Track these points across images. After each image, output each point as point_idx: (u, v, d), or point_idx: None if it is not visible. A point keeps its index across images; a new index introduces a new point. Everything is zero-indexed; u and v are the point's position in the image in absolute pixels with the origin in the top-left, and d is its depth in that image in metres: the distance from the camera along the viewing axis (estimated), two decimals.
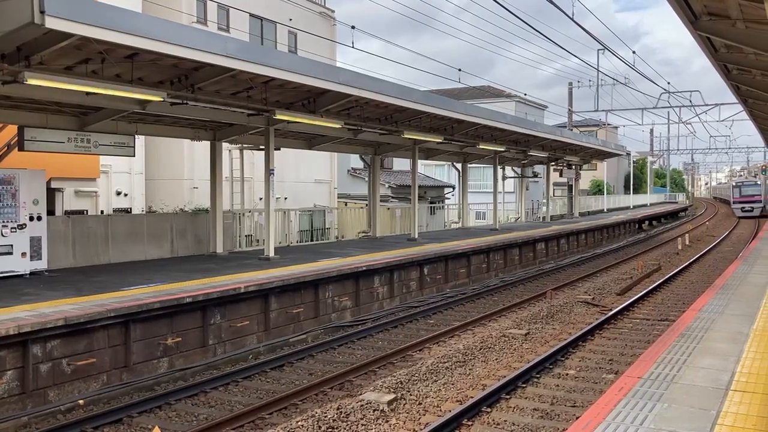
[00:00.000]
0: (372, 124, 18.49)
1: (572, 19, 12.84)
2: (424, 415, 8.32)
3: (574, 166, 38.73)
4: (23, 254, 12.92)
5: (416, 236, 22.91)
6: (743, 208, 57.23)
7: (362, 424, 7.89)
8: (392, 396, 8.64)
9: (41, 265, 13.29)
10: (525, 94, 50.88)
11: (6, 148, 15.04)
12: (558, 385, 9.55)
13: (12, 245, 12.73)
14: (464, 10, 27.60)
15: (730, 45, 10.91)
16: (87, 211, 20.56)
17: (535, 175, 40.57)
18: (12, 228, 12.73)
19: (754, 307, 9.63)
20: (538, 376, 9.97)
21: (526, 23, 14.09)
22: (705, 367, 6.45)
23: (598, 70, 38.16)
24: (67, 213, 18.63)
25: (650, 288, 17.57)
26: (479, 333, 13.16)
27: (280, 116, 14.76)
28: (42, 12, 8.22)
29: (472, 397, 8.74)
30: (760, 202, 56.03)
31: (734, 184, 61.09)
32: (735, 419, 5.05)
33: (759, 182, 58.13)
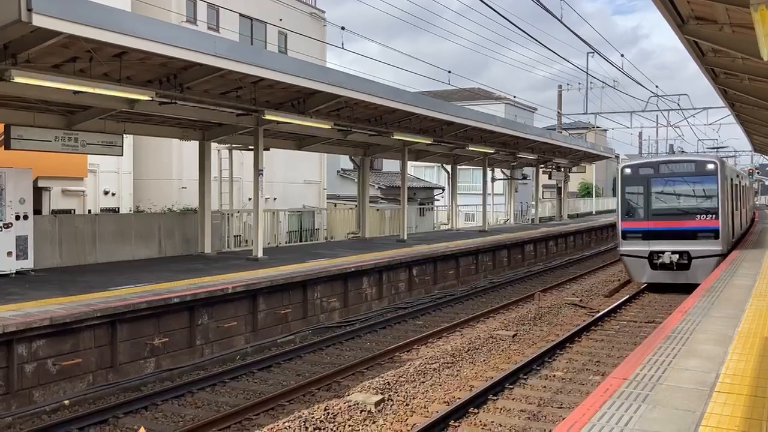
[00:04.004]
0: (362, 125, 18.49)
1: (561, 21, 12.91)
2: (412, 416, 8.32)
3: (563, 169, 38.89)
4: (9, 254, 12.81)
5: (405, 237, 22.91)
6: (658, 258, 17.09)
7: (349, 425, 7.88)
8: (380, 397, 8.64)
9: (27, 264, 13.19)
10: (515, 97, 51.05)
11: None
12: (545, 387, 9.58)
13: None
14: (461, 15, 27.69)
15: (718, 49, 10.97)
16: (74, 210, 20.43)
17: (524, 177, 40.71)
18: None
19: (738, 309, 9.70)
20: (525, 377, 9.99)
21: (518, 27, 14.15)
22: (690, 369, 6.49)
23: (588, 73, 38.30)
24: (54, 212, 18.52)
25: (637, 290, 17.67)
26: (467, 334, 13.18)
27: (269, 116, 14.73)
28: (29, 10, 8.16)
29: (459, 398, 8.75)
30: (715, 233, 16.80)
31: (627, 171, 18.12)
32: (719, 420, 5.08)
33: (713, 165, 17.35)
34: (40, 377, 8.95)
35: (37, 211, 16.17)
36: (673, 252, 16.69)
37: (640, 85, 40.95)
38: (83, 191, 21.09)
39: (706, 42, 10.23)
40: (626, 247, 17.56)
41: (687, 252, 16.63)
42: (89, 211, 20.82)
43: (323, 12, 31.37)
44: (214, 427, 8.09)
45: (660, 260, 16.85)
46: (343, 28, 17.88)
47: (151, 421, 8.43)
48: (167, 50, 10.36)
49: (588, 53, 44.83)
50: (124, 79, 11.61)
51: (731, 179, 19.33)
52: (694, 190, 17.22)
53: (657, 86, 39.38)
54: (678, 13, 9.28)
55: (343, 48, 21.24)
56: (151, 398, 9.16)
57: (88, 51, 10.24)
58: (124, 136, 15.64)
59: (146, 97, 11.83)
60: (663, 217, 17.08)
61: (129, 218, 17.96)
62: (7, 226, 12.76)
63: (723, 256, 16.67)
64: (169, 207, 21.98)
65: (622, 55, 30.64)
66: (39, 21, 8.32)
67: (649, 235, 17.10)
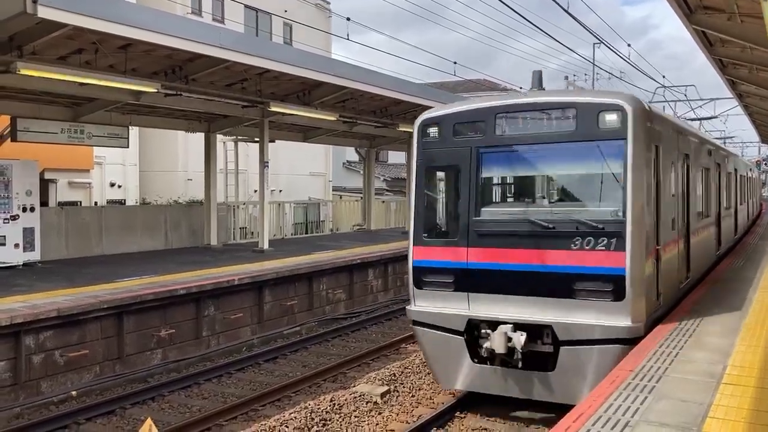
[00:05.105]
0: (367, 117, 18.45)
1: (567, 12, 12.82)
2: (417, 407, 8.33)
3: None
4: (16, 245, 12.86)
5: None
6: (485, 337, 7.46)
7: (355, 416, 7.90)
8: (385, 388, 8.65)
9: (34, 256, 13.24)
10: (521, 88, 50.76)
11: None
12: None
13: (5, 236, 12.68)
14: (468, 6, 27.55)
15: (726, 39, 10.89)
16: (80, 202, 20.48)
17: None
18: (5, 219, 12.67)
19: (746, 301, 9.65)
20: None
21: (523, 17, 14.06)
22: (697, 361, 6.46)
23: (594, 64, 38.11)
24: (61, 204, 18.56)
25: None
26: None
27: (274, 108, 14.71)
28: (34, 2, 8.16)
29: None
30: (616, 283, 6.98)
31: (431, 130, 8.18)
32: (726, 412, 5.06)
33: (618, 114, 7.14)
34: (48, 368, 8.99)
35: (44, 203, 16.21)
36: (518, 326, 7.34)
37: (647, 76, 40.66)
38: (89, 183, 21.13)
39: (714, 32, 10.16)
40: (422, 305, 8.11)
41: (549, 328, 7.31)
42: (95, 203, 20.87)
43: (328, 3, 31.27)
44: (221, 418, 8.12)
45: (488, 344, 7.43)
46: (348, 19, 17.82)
47: (158, 412, 8.46)
48: (172, 42, 10.36)
49: (594, 44, 44.57)
50: (130, 70, 11.61)
51: (689, 155, 9.88)
52: (572, 177, 8.11)
53: (664, 76, 39.02)
54: (686, 3, 9.21)
55: (348, 39, 21.21)
56: (158, 389, 9.21)
57: (94, 43, 10.23)
58: (130, 128, 15.66)
59: (152, 89, 11.83)
60: (501, 239, 7.66)
61: (135, 210, 18.00)
62: (14, 218, 12.80)
63: (635, 339, 7.09)
64: (175, 199, 22.01)
65: (629, 45, 30.47)
66: (44, 13, 8.32)
67: (469, 282, 7.76)
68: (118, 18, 9.37)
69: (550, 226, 7.37)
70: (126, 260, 14.42)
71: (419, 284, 8.13)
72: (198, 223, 17.85)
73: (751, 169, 26.65)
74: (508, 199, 8.58)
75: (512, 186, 8.67)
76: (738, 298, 9.77)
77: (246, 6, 25.75)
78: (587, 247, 7.17)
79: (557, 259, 7.29)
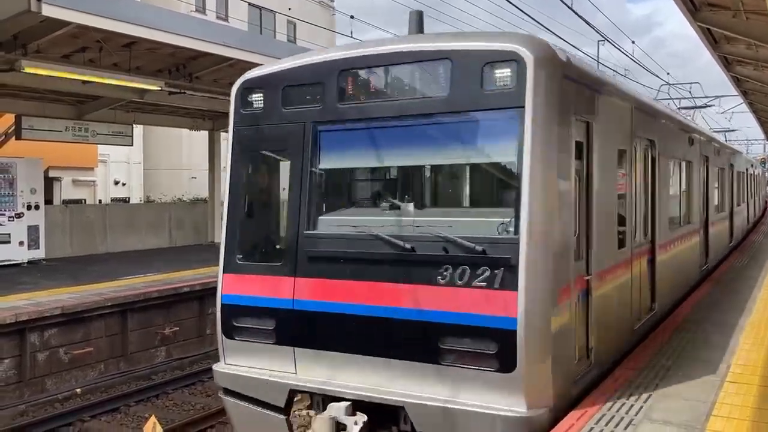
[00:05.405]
0: None
1: (571, 9, 12.80)
2: None
3: None
4: (21, 243, 12.90)
5: None
6: (310, 419, 5.15)
7: None
8: None
9: (39, 254, 13.27)
10: None
11: (3, 136, 15.00)
12: None
13: (9, 234, 12.72)
14: (473, 4, 27.54)
15: (731, 36, 10.86)
16: (85, 200, 20.54)
17: None
18: (9, 217, 12.71)
19: (749, 299, 9.62)
20: None
21: (528, 15, 14.05)
22: (701, 359, 6.45)
23: (598, 62, 37.94)
24: (65, 202, 18.62)
25: None
26: None
27: None
28: (39, 0, 8.18)
29: None
30: (502, 342, 4.42)
31: (254, 97, 5.59)
32: (730, 410, 5.05)
33: (512, 65, 4.53)
34: (52, 366, 9.02)
35: (48, 201, 16.26)
36: (358, 405, 4.94)
37: (652, 73, 40.54)
38: (94, 181, 21.20)
39: (719, 29, 10.12)
40: (234, 363, 5.70)
41: (401, 411, 4.80)
42: (100, 201, 20.93)
43: (332, 1, 31.28)
44: (224, 416, 8.12)
45: (318, 426, 4.95)
46: (352, 17, 17.82)
47: (162, 410, 8.48)
48: (176, 40, 10.37)
49: (599, 41, 44.45)
50: (134, 69, 11.62)
51: (655, 141, 7.39)
52: (444, 170, 5.67)
53: (668, 73, 38.87)
54: (691, 0, 9.19)
55: (352, 37, 21.14)
56: (162, 387, 9.23)
57: (98, 41, 10.25)
58: (134, 126, 15.69)
59: (156, 87, 11.85)
60: (341, 266, 5.12)
61: (139, 208, 18.04)
62: (19, 216, 12.84)
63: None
64: (179, 197, 22.06)
65: (633, 42, 30.39)
66: (48, 11, 8.34)
67: (296, 330, 5.31)
68: (122, 16, 9.39)
69: (409, 246, 4.82)
70: (130, 258, 14.46)
71: (230, 332, 5.68)
72: (202, 220, 17.87)
73: (752, 165, 23.45)
74: (358, 204, 5.83)
75: (363, 183, 5.97)
76: (743, 297, 9.73)
77: (250, 4, 25.80)
78: (460, 282, 4.62)
79: (417, 299, 4.77)
